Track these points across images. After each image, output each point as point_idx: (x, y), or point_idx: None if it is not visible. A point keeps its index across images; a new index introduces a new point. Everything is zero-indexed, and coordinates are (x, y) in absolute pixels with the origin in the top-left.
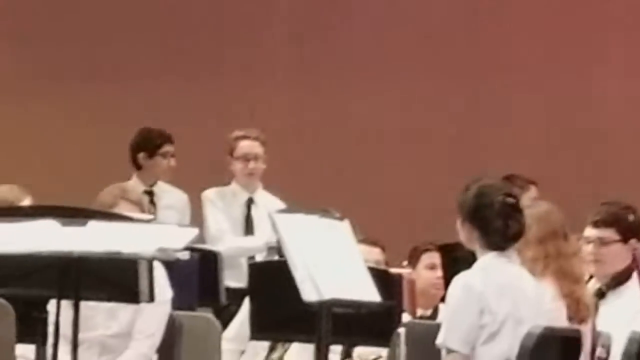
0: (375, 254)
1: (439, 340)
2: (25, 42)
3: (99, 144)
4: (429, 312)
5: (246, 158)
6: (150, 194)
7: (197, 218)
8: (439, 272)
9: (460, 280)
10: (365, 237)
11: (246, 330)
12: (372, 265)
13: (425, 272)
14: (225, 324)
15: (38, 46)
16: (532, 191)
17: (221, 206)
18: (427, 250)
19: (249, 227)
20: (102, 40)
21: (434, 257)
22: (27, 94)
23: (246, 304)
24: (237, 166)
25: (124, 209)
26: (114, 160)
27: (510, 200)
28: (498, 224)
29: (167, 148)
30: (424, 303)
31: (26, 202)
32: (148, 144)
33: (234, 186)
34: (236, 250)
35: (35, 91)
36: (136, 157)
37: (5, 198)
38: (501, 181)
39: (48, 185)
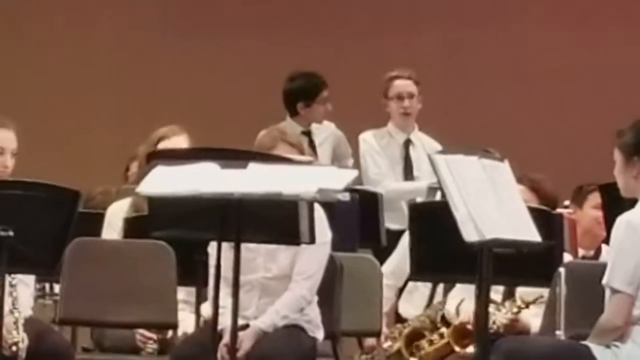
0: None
1: (604, 281)
2: None
3: (257, 88)
4: (591, 253)
5: (400, 97)
6: (307, 134)
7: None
8: None
9: (624, 219)
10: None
11: (404, 266)
12: (533, 204)
13: (593, 211)
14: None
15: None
16: None
17: (378, 148)
18: (594, 190)
19: (407, 169)
20: None
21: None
22: (186, 39)
23: (404, 241)
24: (392, 106)
25: (283, 151)
26: (270, 103)
27: None
28: None
29: (324, 94)
30: (588, 244)
31: (183, 140)
32: (305, 94)
33: (390, 127)
34: (398, 193)
35: (194, 36)
36: (294, 106)
37: (163, 134)
38: None
39: (207, 129)
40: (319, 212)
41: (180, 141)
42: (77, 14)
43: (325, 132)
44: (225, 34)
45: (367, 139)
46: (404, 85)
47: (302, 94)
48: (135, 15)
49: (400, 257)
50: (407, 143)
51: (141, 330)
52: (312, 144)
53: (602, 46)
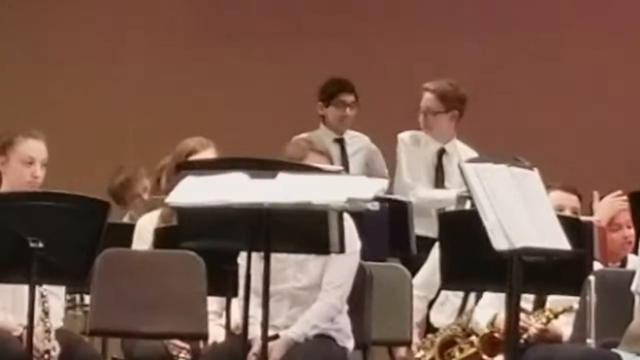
0: (572, 201)
1: (633, 287)
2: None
3: (287, 96)
4: (617, 264)
5: (419, 110)
6: (340, 142)
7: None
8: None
9: None
10: (564, 184)
11: (435, 278)
12: (567, 213)
13: (617, 234)
14: (413, 273)
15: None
16: None
17: (414, 151)
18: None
19: (438, 178)
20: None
21: None
22: (217, 48)
23: (434, 253)
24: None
25: (313, 160)
26: (301, 112)
27: None
28: None
29: (343, 97)
30: (614, 257)
31: (210, 153)
32: (322, 93)
33: (425, 135)
34: (428, 201)
35: (225, 45)
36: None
37: (191, 148)
38: None
39: (237, 138)
40: (348, 222)
41: (208, 154)
42: (108, 25)
43: (359, 143)
44: (256, 43)
45: (405, 140)
46: (423, 99)
47: (320, 94)
48: (164, 26)
49: (431, 269)
50: (441, 153)
51: (174, 340)
52: (344, 152)
53: (635, 47)
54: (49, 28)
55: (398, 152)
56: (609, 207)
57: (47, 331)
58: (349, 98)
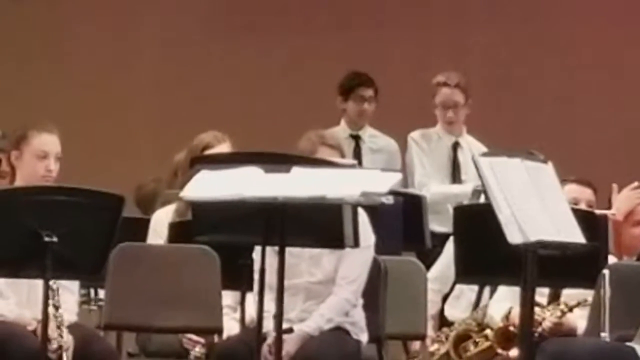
0: (587, 195)
1: None
2: None
3: (303, 90)
4: (633, 259)
5: (445, 105)
6: (356, 138)
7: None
8: None
9: None
10: (579, 177)
11: (449, 272)
12: (582, 206)
13: (635, 230)
14: (428, 267)
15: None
16: None
17: (426, 148)
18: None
19: (455, 172)
20: None
21: None
22: (232, 42)
23: (449, 247)
24: (438, 113)
25: (324, 154)
26: (317, 106)
27: None
28: None
29: (362, 92)
30: (630, 252)
31: (226, 147)
32: (341, 88)
33: (438, 129)
34: (443, 196)
35: (240, 39)
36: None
37: (207, 142)
38: None
39: (251, 132)
40: (363, 216)
41: (223, 149)
42: (123, 19)
43: (382, 143)
44: (272, 37)
45: (416, 138)
46: (449, 94)
47: (339, 88)
48: (179, 19)
49: (446, 263)
50: (456, 146)
51: (189, 335)
52: (358, 149)
53: None
54: (65, 21)
55: (409, 151)
56: (625, 199)
57: (59, 326)
58: (368, 92)
